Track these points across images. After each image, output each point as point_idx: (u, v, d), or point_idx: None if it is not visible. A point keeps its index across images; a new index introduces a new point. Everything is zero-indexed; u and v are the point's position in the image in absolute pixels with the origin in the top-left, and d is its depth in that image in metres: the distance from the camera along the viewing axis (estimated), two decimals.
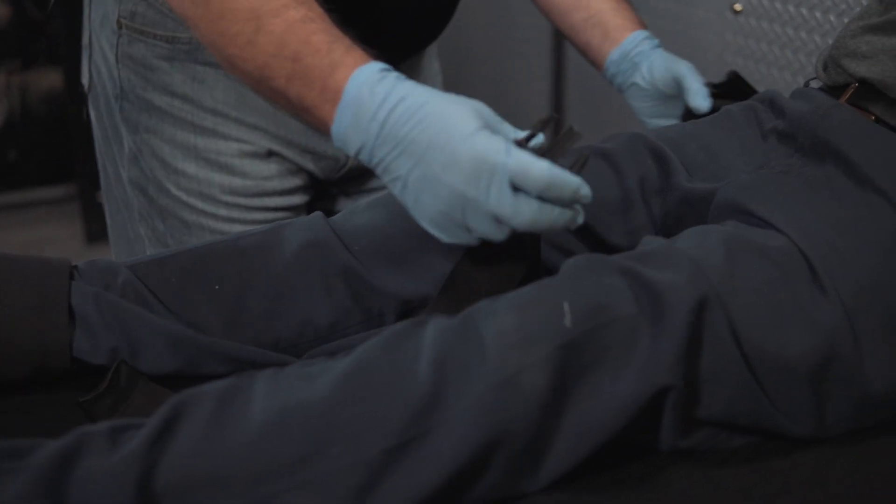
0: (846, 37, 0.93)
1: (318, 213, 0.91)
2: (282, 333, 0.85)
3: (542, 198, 0.70)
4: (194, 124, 1.08)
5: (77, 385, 0.81)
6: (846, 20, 1.15)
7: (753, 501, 0.69)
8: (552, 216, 0.71)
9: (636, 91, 1.16)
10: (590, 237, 0.91)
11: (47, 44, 2.78)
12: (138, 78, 1.08)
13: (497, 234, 0.72)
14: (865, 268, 0.75)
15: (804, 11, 1.49)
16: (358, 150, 0.75)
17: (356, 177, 1.21)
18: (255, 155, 1.10)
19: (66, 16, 2.53)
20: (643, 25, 1.19)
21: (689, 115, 1.10)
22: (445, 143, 0.70)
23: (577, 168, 0.72)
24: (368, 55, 0.77)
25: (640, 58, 1.14)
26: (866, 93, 0.89)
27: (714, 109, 1.06)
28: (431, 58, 1.29)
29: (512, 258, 0.78)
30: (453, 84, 1.27)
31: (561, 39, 2.31)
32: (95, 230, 2.67)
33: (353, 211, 0.93)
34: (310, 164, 1.14)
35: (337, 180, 1.20)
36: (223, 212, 1.11)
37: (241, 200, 1.11)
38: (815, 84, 0.99)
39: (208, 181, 1.10)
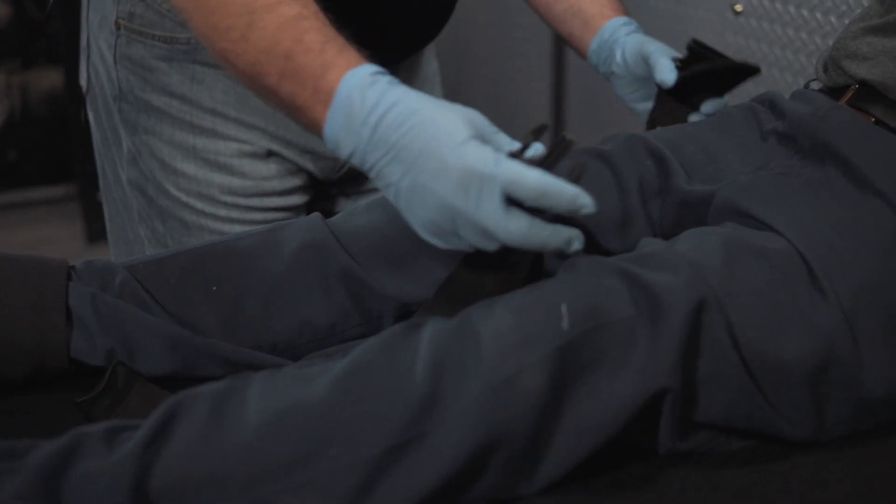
0: (846, 38, 0.93)
1: (316, 215, 0.91)
2: (280, 335, 0.85)
3: (537, 211, 0.69)
4: (193, 125, 1.08)
5: (74, 385, 0.81)
6: (847, 21, 1.15)
7: (753, 502, 0.69)
8: (543, 235, 0.68)
9: (616, 79, 1.15)
10: (588, 239, 0.91)
11: (47, 44, 2.78)
12: (137, 79, 1.08)
13: (489, 247, 0.71)
14: (865, 269, 0.75)
15: (805, 12, 1.49)
16: (350, 153, 0.74)
17: (355, 177, 1.21)
18: (254, 155, 1.10)
19: (66, 16, 2.53)
20: (623, 12, 1.17)
21: (663, 93, 1.08)
22: (435, 150, 0.69)
23: (573, 178, 0.69)
24: (362, 56, 0.76)
25: (617, 45, 1.13)
26: (866, 94, 0.89)
27: (684, 82, 1.04)
28: (430, 58, 1.28)
29: (511, 263, 0.76)
30: (453, 84, 1.27)
31: (561, 39, 2.31)
32: (96, 230, 2.67)
33: (352, 212, 0.92)
34: (309, 165, 1.14)
35: (336, 181, 1.20)
36: (222, 212, 1.11)
37: (241, 201, 1.11)
38: (815, 85, 0.99)
39: (207, 181, 1.10)
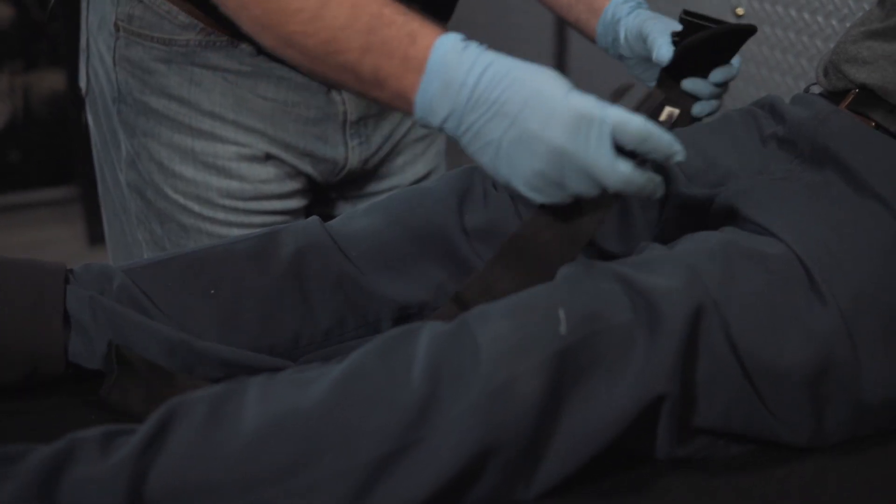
0: (847, 42, 0.93)
1: (314, 218, 0.91)
2: (277, 339, 0.85)
3: (636, 155, 0.71)
4: (192, 127, 1.08)
5: (72, 389, 0.81)
6: (848, 25, 1.14)
7: (753, 502, 0.69)
8: (642, 180, 0.71)
9: (626, 61, 1.14)
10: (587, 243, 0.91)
11: (49, 45, 2.79)
12: (136, 81, 1.08)
13: (592, 192, 0.73)
14: (864, 273, 0.75)
15: (806, 16, 1.49)
16: (445, 118, 0.74)
17: (355, 180, 1.20)
18: (252, 158, 1.10)
19: (68, 17, 2.53)
20: None
21: (664, 73, 1.05)
22: (542, 102, 0.71)
23: (667, 125, 0.73)
24: (442, 28, 0.77)
25: (620, 25, 1.12)
26: (866, 99, 0.89)
27: (683, 57, 1.02)
28: None
29: (583, 220, 0.77)
30: None
31: (562, 38, 2.31)
32: (97, 232, 2.67)
33: (351, 215, 0.92)
34: (308, 168, 1.14)
35: (336, 184, 1.19)
36: (221, 215, 1.11)
37: (239, 204, 1.11)
38: (815, 89, 0.98)
39: (206, 184, 1.09)
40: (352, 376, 0.66)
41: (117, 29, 1.06)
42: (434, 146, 1.27)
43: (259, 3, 0.80)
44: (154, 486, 0.61)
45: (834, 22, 1.43)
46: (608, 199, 0.76)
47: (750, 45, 1.60)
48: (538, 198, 0.74)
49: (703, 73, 1.05)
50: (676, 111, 0.77)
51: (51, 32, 2.77)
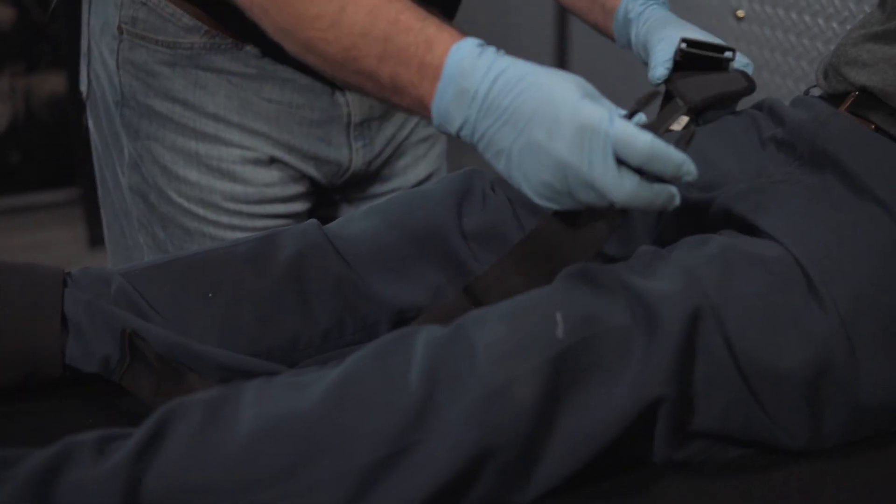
0: (847, 45, 0.93)
1: (313, 221, 0.91)
2: (275, 342, 0.85)
3: (643, 172, 0.69)
4: (196, 130, 1.08)
5: (69, 392, 0.81)
6: (848, 28, 1.14)
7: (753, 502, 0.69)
8: (651, 194, 0.70)
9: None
10: (600, 248, 0.91)
11: (50, 47, 2.79)
12: (139, 84, 1.08)
13: (602, 204, 0.71)
14: (863, 276, 0.75)
15: (807, 18, 1.48)
16: (460, 125, 0.73)
17: (358, 182, 1.20)
18: (256, 161, 1.10)
19: (69, 17, 2.53)
20: None
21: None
22: (550, 110, 0.70)
23: (682, 145, 0.71)
24: (459, 31, 0.76)
25: (631, 27, 1.09)
26: (866, 101, 0.89)
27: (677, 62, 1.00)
28: None
29: (596, 226, 0.76)
30: None
31: (563, 38, 2.31)
32: (98, 234, 2.66)
33: (349, 218, 0.92)
34: (312, 170, 1.14)
35: (339, 186, 1.19)
36: (225, 219, 1.10)
37: (243, 207, 1.11)
38: (815, 92, 0.98)
39: (210, 188, 1.09)
40: (349, 379, 0.65)
41: (121, 32, 1.06)
42: (436, 148, 1.27)
43: (280, 9, 0.80)
44: (150, 489, 0.61)
45: (834, 24, 1.43)
46: (619, 209, 0.75)
47: (750, 48, 1.60)
48: (550, 205, 0.73)
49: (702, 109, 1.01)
50: (695, 128, 0.75)
51: (52, 34, 2.77)
